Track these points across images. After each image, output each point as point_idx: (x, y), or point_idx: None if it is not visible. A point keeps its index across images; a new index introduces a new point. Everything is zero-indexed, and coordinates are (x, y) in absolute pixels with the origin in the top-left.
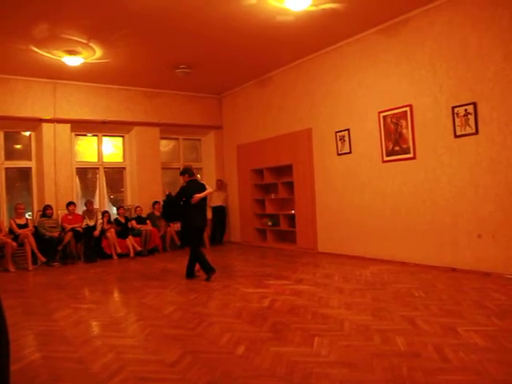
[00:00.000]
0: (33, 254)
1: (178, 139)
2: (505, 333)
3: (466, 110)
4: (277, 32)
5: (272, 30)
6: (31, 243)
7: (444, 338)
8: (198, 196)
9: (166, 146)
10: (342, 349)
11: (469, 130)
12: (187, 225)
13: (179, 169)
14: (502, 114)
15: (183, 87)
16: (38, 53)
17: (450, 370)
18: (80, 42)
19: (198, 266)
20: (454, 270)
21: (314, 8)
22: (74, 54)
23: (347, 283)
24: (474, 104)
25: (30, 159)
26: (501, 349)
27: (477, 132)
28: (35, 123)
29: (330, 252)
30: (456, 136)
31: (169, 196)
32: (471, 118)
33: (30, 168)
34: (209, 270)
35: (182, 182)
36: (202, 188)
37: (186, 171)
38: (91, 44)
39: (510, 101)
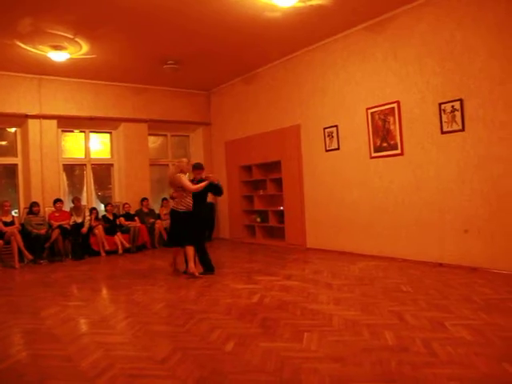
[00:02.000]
0: (19, 251)
1: (166, 135)
2: (491, 327)
3: (452, 106)
4: (265, 28)
5: (260, 26)
6: (18, 241)
7: (432, 332)
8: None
9: (154, 142)
10: (331, 344)
11: (455, 127)
12: (197, 217)
13: (167, 165)
14: (488, 111)
15: (171, 83)
16: (22, 48)
17: (438, 363)
18: (66, 37)
19: (176, 260)
20: (440, 265)
21: (301, 4)
22: (60, 50)
23: (336, 279)
24: (461, 101)
25: (16, 156)
26: (488, 342)
27: (463, 129)
28: (21, 119)
29: (318, 248)
30: (443, 132)
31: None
32: (458, 114)
33: (16, 165)
34: (208, 268)
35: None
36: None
37: (202, 166)
38: (77, 39)
39: (495, 98)
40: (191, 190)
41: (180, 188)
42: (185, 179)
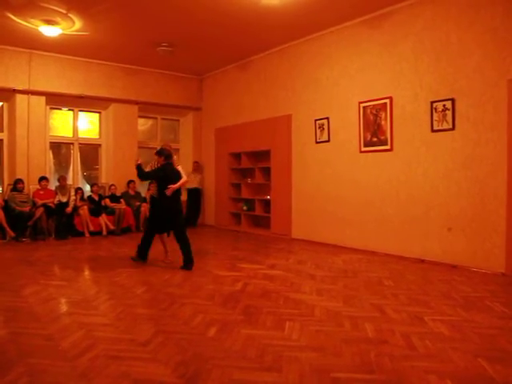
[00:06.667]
0: (1, 228)
1: (156, 118)
2: (469, 323)
3: (444, 105)
4: (262, 15)
5: (257, 13)
6: (0, 217)
7: (411, 326)
8: (173, 187)
9: (143, 124)
10: (313, 333)
11: (445, 126)
12: (158, 208)
13: (156, 148)
14: (478, 112)
15: (164, 66)
16: (14, 20)
17: (416, 357)
18: (59, 11)
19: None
20: (422, 261)
21: None
22: (52, 24)
23: (319, 270)
24: (453, 100)
25: (2, 131)
26: (464, 338)
27: (453, 128)
28: (8, 93)
29: (303, 239)
30: (433, 130)
31: (140, 168)
32: (449, 113)
33: (2, 140)
34: (141, 257)
35: (155, 161)
36: (178, 176)
37: (163, 153)
38: (70, 15)
39: (486, 99)
40: None
41: None
42: None
